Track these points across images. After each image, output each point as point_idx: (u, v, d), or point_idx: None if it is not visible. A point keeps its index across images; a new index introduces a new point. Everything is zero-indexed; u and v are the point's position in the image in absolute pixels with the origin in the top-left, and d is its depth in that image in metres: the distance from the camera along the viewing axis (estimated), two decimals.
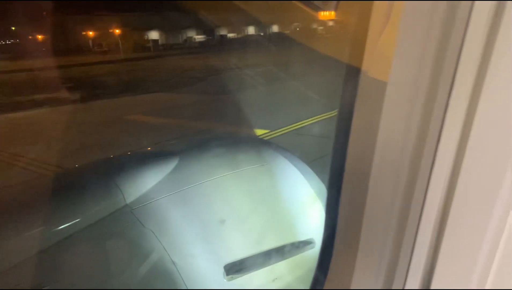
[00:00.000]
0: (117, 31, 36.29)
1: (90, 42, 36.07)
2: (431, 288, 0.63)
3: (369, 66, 0.63)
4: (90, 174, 1.90)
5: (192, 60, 24.33)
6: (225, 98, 11.44)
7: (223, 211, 1.73)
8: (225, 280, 1.56)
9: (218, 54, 27.48)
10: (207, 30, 40.56)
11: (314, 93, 10.89)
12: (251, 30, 41.21)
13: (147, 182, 1.69)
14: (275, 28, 40.73)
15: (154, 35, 37.88)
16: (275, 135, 7.51)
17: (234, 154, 2.09)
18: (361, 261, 0.71)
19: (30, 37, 33.10)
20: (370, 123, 0.63)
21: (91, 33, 36.37)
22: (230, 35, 40.57)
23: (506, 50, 0.50)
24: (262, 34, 41.00)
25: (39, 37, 31.95)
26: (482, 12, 0.50)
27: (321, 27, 39.34)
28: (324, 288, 0.82)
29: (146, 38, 37.63)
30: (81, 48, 34.01)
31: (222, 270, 1.56)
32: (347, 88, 0.71)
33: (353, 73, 0.66)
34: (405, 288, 0.66)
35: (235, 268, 1.59)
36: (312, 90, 11.50)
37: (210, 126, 7.75)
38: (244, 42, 37.52)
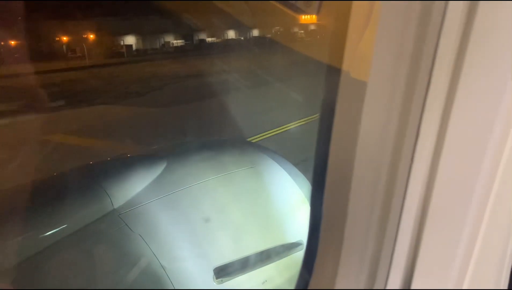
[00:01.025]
0: (92, 36, 35.31)
1: (64, 47, 35.02)
2: (412, 288, 0.65)
3: (350, 67, 0.64)
4: (77, 179, 1.85)
5: (161, 66, 23.41)
6: (169, 111, 10.47)
7: (211, 214, 1.72)
8: (214, 283, 1.53)
9: (192, 60, 26.52)
10: (186, 34, 39.67)
11: (278, 102, 10.15)
12: (231, 34, 40.59)
13: (135, 186, 1.67)
14: (256, 32, 40.18)
15: (130, 40, 36.79)
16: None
17: (222, 157, 2.08)
18: (344, 261, 0.72)
19: (2, 42, 32.14)
20: (351, 123, 0.64)
21: (65, 39, 35.31)
22: (210, 39, 39.77)
23: (480, 49, 0.51)
24: (242, 38, 40.45)
25: (12, 42, 31.02)
26: (455, 12, 0.52)
27: (301, 31, 39.13)
28: (308, 288, 0.81)
29: (120, 43, 36.28)
30: (55, 54, 33.05)
31: (211, 273, 1.54)
32: (328, 89, 0.72)
33: (334, 73, 0.67)
34: (386, 288, 0.67)
35: (224, 271, 1.57)
36: (276, 99, 10.75)
37: (128, 150, 6.68)
38: (223, 47, 37.15)
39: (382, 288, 0.66)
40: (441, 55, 0.53)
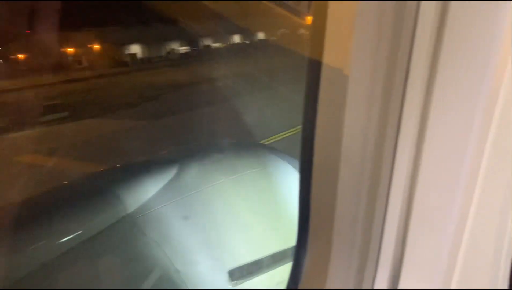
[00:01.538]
0: (97, 46, 35.30)
1: (70, 58, 35.02)
2: (399, 288, 0.64)
3: (330, 61, 0.64)
4: (90, 186, 1.86)
5: (161, 74, 23.19)
6: (154, 124, 10.14)
7: (224, 216, 1.72)
8: (229, 285, 1.54)
9: (195, 66, 26.26)
10: (191, 40, 39.47)
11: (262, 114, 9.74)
12: (236, 38, 40.28)
13: (148, 191, 1.67)
14: (261, 36, 39.79)
15: (134, 48, 36.73)
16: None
17: (234, 159, 2.08)
18: (333, 262, 0.71)
19: (12, 56, 32.28)
20: (334, 118, 0.64)
21: (70, 50, 35.34)
22: (215, 44, 39.48)
23: (455, 41, 0.52)
24: (247, 42, 40.09)
25: (20, 56, 31.10)
26: (429, 7, 0.52)
27: (308, 33, 38.64)
28: (298, 288, 0.81)
29: (125, 53, 36.14)
30: (60, 66, 33.09)
31: (226, 276, 1.55)
32: (311, 84, 0.71)
33: (316, 68, 0.67)
34: (374, 288, 0.67)
35: (239, 273, 1.56)
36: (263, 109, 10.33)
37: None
38: (229, 51, 36.90)
39: (370, 288, 0.66)
40: (417, 49, 0.53)
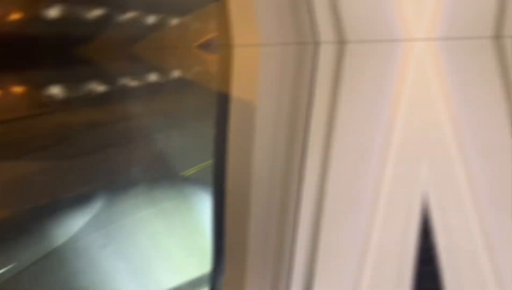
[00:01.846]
0: (16, 89, 33.77)
1: None
2: None
3: (239, 94, 0.54)
4: (18, 222, 1.91)
5: (80, 114, 18.08)
6: (70, 164, 7.12)
7: (147, 246, 1.82)
8: None
9: (113, 104, 22.03)
10: (108, 80, 37.55)
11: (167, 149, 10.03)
12: (153, 77, 39.48)
13: (75, 224, 1.77)
14: (176, 73, 39.40)
15: (54, 89, 34.99)
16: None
17: (153, 192, 2.17)
18: (249, 282, 0.69)
19: None
20: (244, 146, 0.56)
21: None
22: (132, 83, 38.11)
23: (352, 81, 0.59)
24: (163, 80, 39.20)
25: None
26: (327, 50, 0.55)
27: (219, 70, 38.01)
28: None
29: (44, 94, 34.57)
30: None
31: None
32: (221, 117, 0.59)
33: (225, 102, 0.57)
34: None
35: None
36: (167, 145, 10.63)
37: None
38: (145, 89, 33.96)
39: None
40: (319, 85, 0.62)
